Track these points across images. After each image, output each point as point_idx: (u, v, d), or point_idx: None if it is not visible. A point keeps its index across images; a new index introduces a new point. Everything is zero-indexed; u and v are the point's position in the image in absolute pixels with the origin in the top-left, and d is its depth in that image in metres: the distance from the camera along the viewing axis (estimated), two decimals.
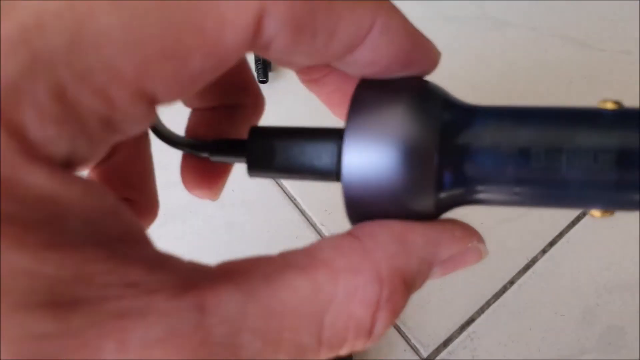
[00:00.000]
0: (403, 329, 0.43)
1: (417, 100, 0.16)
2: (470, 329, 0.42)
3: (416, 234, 0.15)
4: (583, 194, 0.15)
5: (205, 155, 0.19)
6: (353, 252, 0.14)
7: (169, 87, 0.12)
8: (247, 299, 0.13)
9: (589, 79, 0.48)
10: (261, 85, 0.49)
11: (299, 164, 0.18)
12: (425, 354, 0.42)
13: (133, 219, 0.13)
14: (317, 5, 0.14)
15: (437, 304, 0.43)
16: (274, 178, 0.18)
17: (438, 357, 0.42)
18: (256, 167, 0.18)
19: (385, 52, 0.16)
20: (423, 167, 0.15)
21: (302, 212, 0.47)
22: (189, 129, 0.20)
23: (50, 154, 0.12)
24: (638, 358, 0.41)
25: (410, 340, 0.42)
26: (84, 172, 0.20)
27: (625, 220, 0.45)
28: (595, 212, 0.16)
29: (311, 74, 0.18)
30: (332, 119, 0.19)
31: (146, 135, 0.20)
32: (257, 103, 0.21)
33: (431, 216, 0.16)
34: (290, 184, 0.48)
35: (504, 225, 0.45)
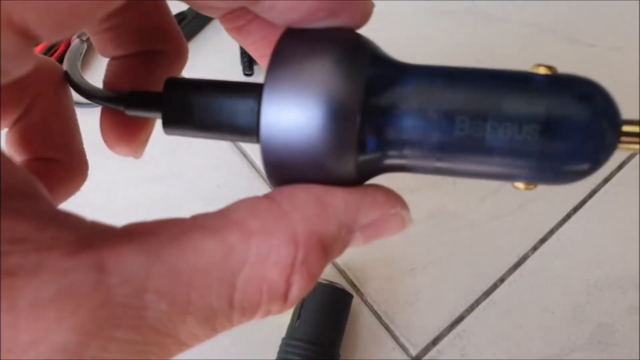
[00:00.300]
0: (391, 327, 0.42)
1: (341, 53, 0.15)
2: (460, 327, 0.42)
3: (336, 198, 0.15)
4: (506, 165, 0.15)
5: (120, 108, 0.18)
6: (269, 214, 0.14)
7: (43, 18, 0.11)
8: (151, 259, 0.12)
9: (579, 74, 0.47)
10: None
11: (217, 121, 0.16)
12: (414, 353, 0.41)
13: (23, 174, 0.12)
14: None
15: (426, 301, 0.43)
16: (191, 136, 0.17)
17: (427, 356, 0.41)
18: (171, 123, 0.17)
19: None
20: (344, 127, 0.14)
21: None
22: (106, 81, 0.19)
23: None
24: (629, 356, 0.41)
25: (398, 339, 0.42)
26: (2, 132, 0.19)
27: (617, 217, 0.44)
28: (519, 185, 0.15)
29: (234, 21, 0.17)
30: None
31: (64, 90, 0.19)
32: (178, 50, 0.20)
33: (354, 181, 0.15)
34: None
35: (493, 223, 0.44)
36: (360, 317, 0.42)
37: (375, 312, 0.42)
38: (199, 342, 0.13)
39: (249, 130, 0.16)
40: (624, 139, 0.14)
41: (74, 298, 0.11)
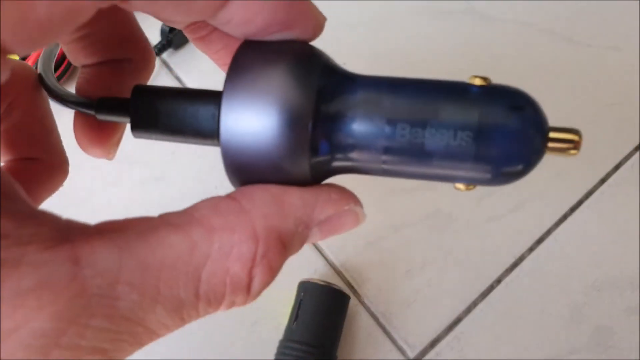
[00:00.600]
0: (389, 328, 0.42)
1: (294, 63, 0.16)
2: (458, 329, 0.42)
3: (292, 196, 0.16)
4: (445, 168, 0.16)
5: (91, 113, 0.19)
6: (230, 212, 0.15)
7: (16, 33, 0.12)
8: (122, 253, 0.13)
9: (576, 75, 0.47)
10: None
11: (181, 126, 0.17)
12: (411, 355, 0.41)
13: (2, 176, 0.13)
14: None
15: (423, 303, 0.42)
16: (158, 139, 0.18)
17: (425, 358, 0.41)
18: (139, 128, 0.18)
19: (259, 9, 0.15)
20: (297, 132, 0.15)
21: None
22: (78, 87, 0.20)
23: None
24: (628, 358, 0.41)
25: (396, 341, 0.42)
26: None
27: (615, 218, 0.44)
28: (460, 186, 0.17)
29: (197, 32, 0.19)
30: None
31: (40, 91, 0.20)
32: (145, 57, 0.21)
33: (309, 182, 0.17)
34: None
35: (490, 224, 0.44)
36: (358, 318, 0.42)
37: (373, 313, 0.42)
38: (169, 331, 0.14)
39: (211, 135, 0.17)
40: (551, 144, 0.16)
41: (52, 288, 0.12)
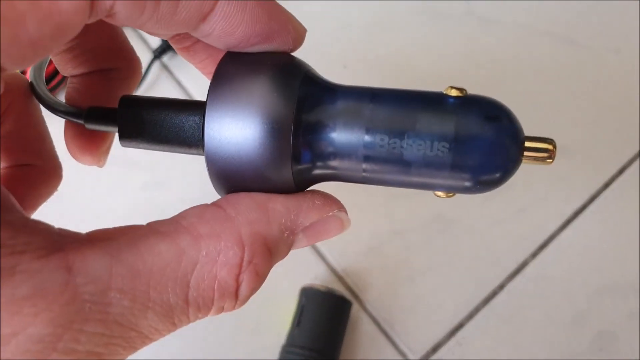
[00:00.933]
0: (391, 333, 0.42)
1: (275, 74, 0.16)
2: (460, 334, 0.42)
3: (277, 203, 0.16)
4: (423, 177, 0.16)
5: (80, 122, 0.19)
6: (215, 219, 0.15)
7: (9, 53, 0.12)
8: (113, 260, 0.14)
9: (576, 77, 0.47)
10: None
11: (167, 136, 0.18)
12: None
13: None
14: None
15: (425, 308, 0.42)
16: (145, 149, 0.19)
17: None
18: (127, 137, 0.18)
19: (239, 21, 0.16)
20: (279, 141, 0.16)
21: None
22: (68, 96, 0.21)
23: None
24: None
25: (398, 346, 0.42)
26: None
27: (618, 223, 0.44)
28: (440, 193, 0.17)
29: (181, 42, 0.19)
30: None
31: (32, 99, 0.20)
32: (132, 67, 0.21)
33: (293, 189, 0.17)
34: None
35: (493, 229, 0.44)
36: (360, 324, 0.42)
37: (375, 319, 0.42)
38: (161, 336, 0.15)
39: (196, 144, 0.18)
40: (527, 153, 0.16)
41: (46, 295, 0.12)
